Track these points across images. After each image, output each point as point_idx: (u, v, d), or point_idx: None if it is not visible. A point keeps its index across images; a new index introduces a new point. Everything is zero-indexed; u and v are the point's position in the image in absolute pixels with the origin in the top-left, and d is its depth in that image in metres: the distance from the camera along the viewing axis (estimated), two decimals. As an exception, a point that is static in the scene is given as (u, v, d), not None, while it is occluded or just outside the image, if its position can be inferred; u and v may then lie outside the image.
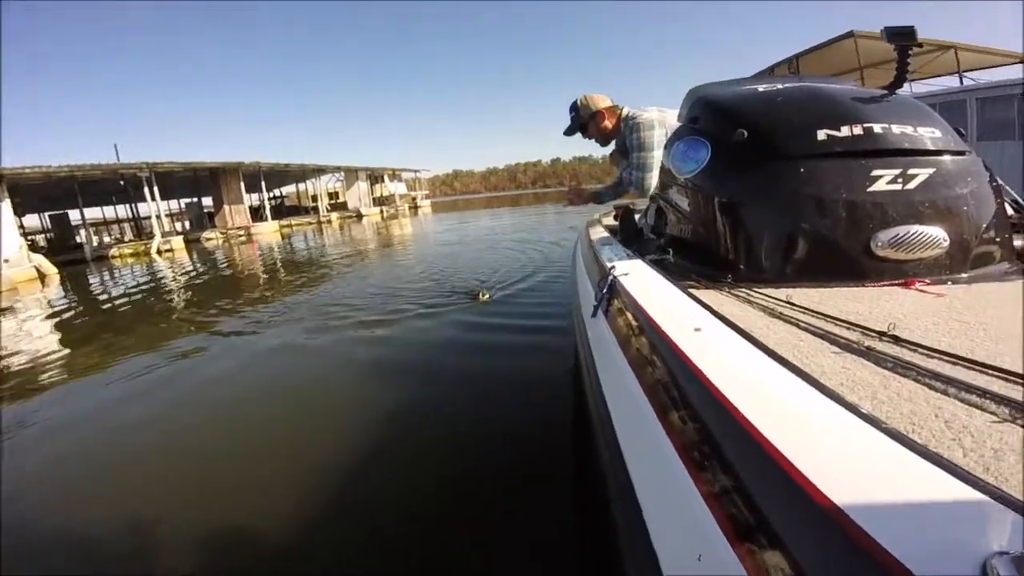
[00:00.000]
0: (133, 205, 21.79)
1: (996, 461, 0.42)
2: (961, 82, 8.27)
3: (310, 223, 22.60)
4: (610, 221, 2.55)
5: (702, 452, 0.47)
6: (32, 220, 25.78)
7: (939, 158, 1.13)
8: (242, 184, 20.20)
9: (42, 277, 10.97)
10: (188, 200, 23.18)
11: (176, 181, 20.29)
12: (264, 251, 11.19)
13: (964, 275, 1.06)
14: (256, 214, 22.04)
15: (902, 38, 1.17)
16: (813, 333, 0.76)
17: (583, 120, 2.30)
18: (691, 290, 0.92)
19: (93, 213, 27.15)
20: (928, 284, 1.02)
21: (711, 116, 1.41)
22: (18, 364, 3.42)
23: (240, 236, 17.91)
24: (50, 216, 20.89)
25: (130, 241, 16.81)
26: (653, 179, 2.05)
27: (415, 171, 37.91)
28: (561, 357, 2.35)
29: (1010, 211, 1.44)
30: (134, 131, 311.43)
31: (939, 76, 9.42)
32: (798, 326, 0.80)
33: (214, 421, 2.23)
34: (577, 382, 1.47)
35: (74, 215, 20.17)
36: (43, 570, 1.34)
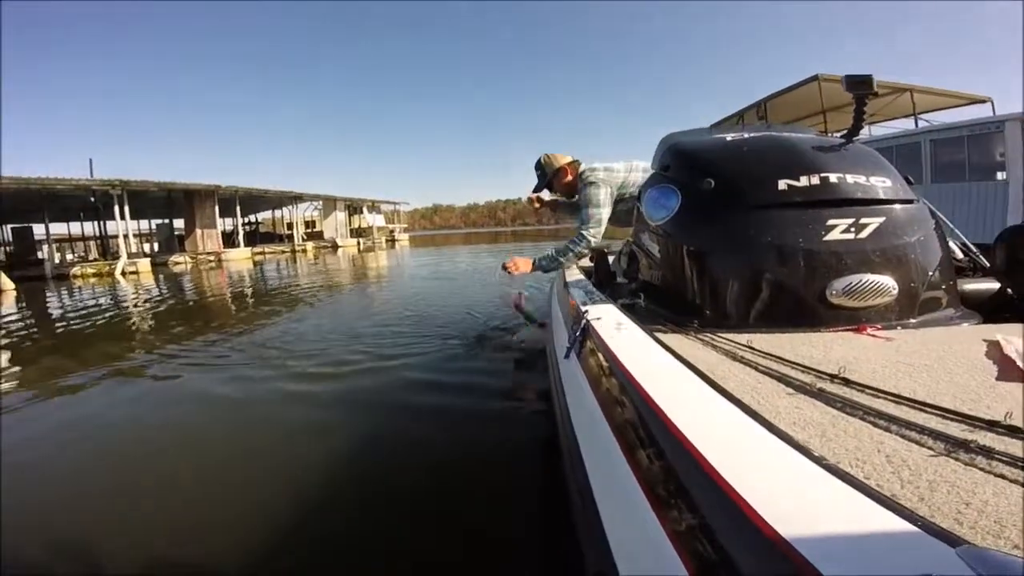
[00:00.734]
0: (101, 223, 21.23)
1: (930, 492, 0.46)
2: (916, 124, 8.52)
3: (284, 251, 22.32)
4: (585, 263, 2.58)
5: (666, 489, 0.50)
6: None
7: (889, 207, 1.19)
8: (216, 208, 19.96)
9: (-4, 293, 10.56)
10: (160, 221, 22.75)
11: (149, 201, 19.93)
12: (233, 279, 11.00)
13: (912, 320, 1.12)
14: (228, 239, 21.71)
15: (860, 87, 1.21)
16: (770, 376, 0.80)
17: (548, 177, 2.48)
18: (659, 334, 0.94)
19: (59, 228, 26.39)
20: (879, 329, 1.07)
21: (681, 164, 1.47)
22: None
23: (210, 261, 17.58)
24: (12, 229, 20.19)
25: (94, 260, 16.33)
26: (600, 234, 2.21)
27: (395, 203, 38.03)
28: (534, 395, 2.29)
29: (959, 254, 1.51)
30: (112, 148, 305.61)
31: (896, 119, 9.64)
32: (757, 369, 0.84)
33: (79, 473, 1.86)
34: (549, 420, 1.48)
35: (38, 229, 19.58)
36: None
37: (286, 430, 2.18)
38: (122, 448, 2.12)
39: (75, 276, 13.96)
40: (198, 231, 19.56)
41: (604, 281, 1.96)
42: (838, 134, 1.48)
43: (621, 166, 2.29)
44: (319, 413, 2.33)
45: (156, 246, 22.07)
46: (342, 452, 1.90)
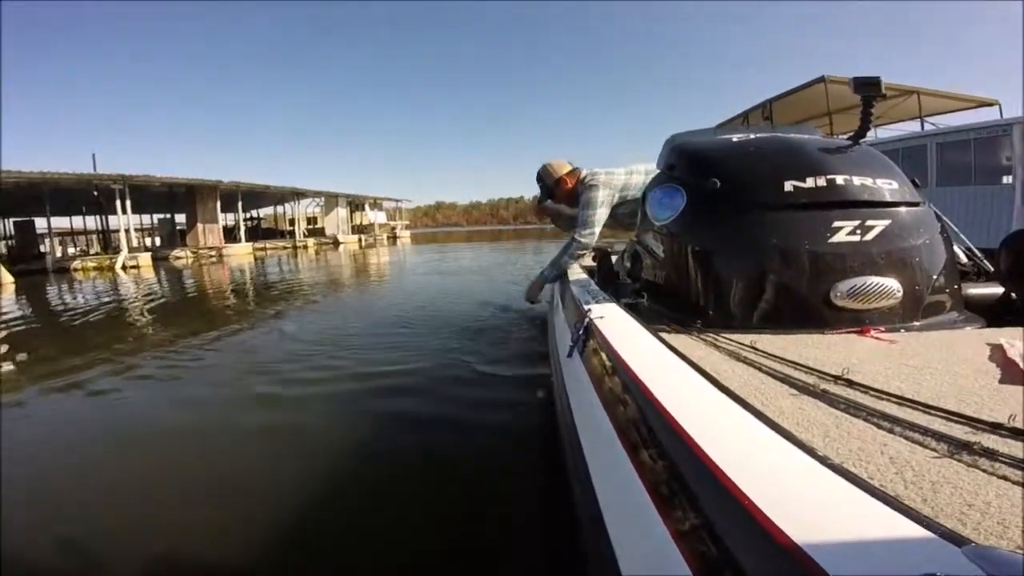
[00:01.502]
0: (104, 217, 21.28)
1: (933, 494, 0.46)
2: (922, 127, 8.48)
3: (285, 247, 22.33)
4: (588, 262, 2.59)
5: (669, 488, 0.49)
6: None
7: (895, 209, 1.19)
8: (218, 203, 19.98)
9: (-4, 286, 10.58)
10: (161, 216, 22.77)
11: (151, 196, 19.95)
12: (234, 274, 11.02)
13: (916, 323, 1.12)
14: (230, 234, 21.74)
15: (868, 88, 1.21)
16: (774, 377, 0.80)
17: (550, 187, 2.47)
18: (662, 334, 0.94)
19: (62, 222, 26.45)
20: (883, 332, 1.07)
21: (687, 165, 1.46)
22: None
23: (211, 256, 17.60)
24: (14, 222, 20.24)
25: (95, 254, 16.35)
26: (594, 236, 2.22)
27: (397, 200, 38.05)
28: (536, 393, 2.25)
29: (963, 258, 1.52)
30: (116, 142, 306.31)
31: (902, 121, 9.59)
32: (760, 370, 0.84)
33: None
34: (552, 418, 1.47)
35: (40, 223, 19.64)
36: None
37: (279, 425, 2.15)
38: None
39: (76, 270, 13.98)
40: (200, 226, 19.57)
41: (607, 280, 1.97)
42: (844, 136, 1.45)
43: (621, 170, 2.30)
44: (310, 409, 2.30)
45: (158, 240, 22.12)
46: (337, 453, 1.87)
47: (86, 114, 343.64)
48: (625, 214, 2.28)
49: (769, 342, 1.01)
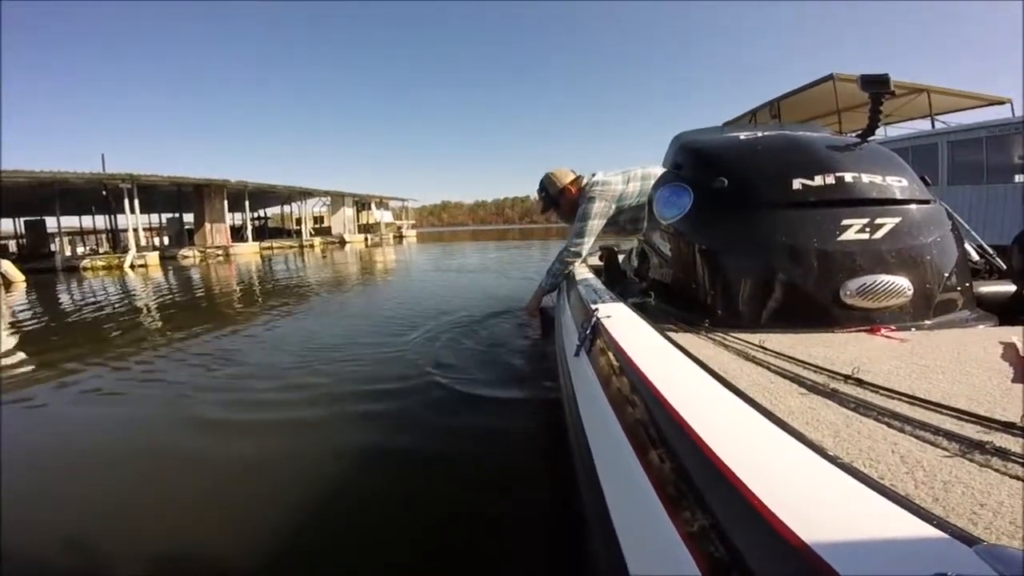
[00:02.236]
0: (113, 216, 21.49)
1: (945, 493, 0.46)
2: (933, 125, 8.44)
3: (292, 246, 22.45)
4: (595, 261, 2.58)
5: (678, 487, 0.49)
6: (6, 224, 25.36)
7: (906, 207, 1.18)
8: (225, 203, 20.11)
9: (7, 283, 10.70)
10: (170, 215, 22.96)
11: (160, 195, 20.14)
12: (241, 273, 11.07)
13: (927, 322, 1.11)
14: (237, 234, 21.88)
15: (877, 86, 1.20)
16: (783, 376, 0.80)
17: (554, 197, 2.46)
18: (670, 333, 0.94)
19: (72, 222, 26.78)
20: (893, 331, 1.06)
21: (694, 163, 1.46)
22: None
23: (218, 255, 17.72)
24: (26, 222, 20.50)
25: (104, 253, 16.51)
26: (584, 246, 2.23)
27: (403, 200, 38.14)
28: (543, 391, 2.22)
29: (975, 256, 1.49)
30: (125, 143, 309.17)
31: (912, 119, 9.54)
32: (769, 369, 0.84)
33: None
34: (559, 417, 1.46)
35: (51, 222, 19.86)
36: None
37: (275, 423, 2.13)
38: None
39: (85, 269, 14.11)
40: (207, 225, 19.71)
41: (614, 279, 1.97)
42: (853, 134, 1.43)
43: (619, 178, 2.30)
44: (311, 411, 2.26)
45: (167, 240, 22.31)
46: (339, 453, 1.85)
47: (96, 116, 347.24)
48: (626, 220, 2.30)
49: (778, 341, 1.00)
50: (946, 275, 1.14)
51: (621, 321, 1.03)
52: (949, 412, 0.62)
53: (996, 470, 0.49)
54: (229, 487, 1.64)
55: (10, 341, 4.18)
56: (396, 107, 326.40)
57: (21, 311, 6.36)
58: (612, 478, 0.71)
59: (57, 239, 18.10)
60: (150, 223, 25.79)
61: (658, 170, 2.20)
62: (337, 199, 29.07)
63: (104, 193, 16.44)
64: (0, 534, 1.39)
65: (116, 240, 21.29)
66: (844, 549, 0.34)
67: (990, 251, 1.53)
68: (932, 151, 7.41)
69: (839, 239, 1.12)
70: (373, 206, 33.44)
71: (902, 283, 1.09)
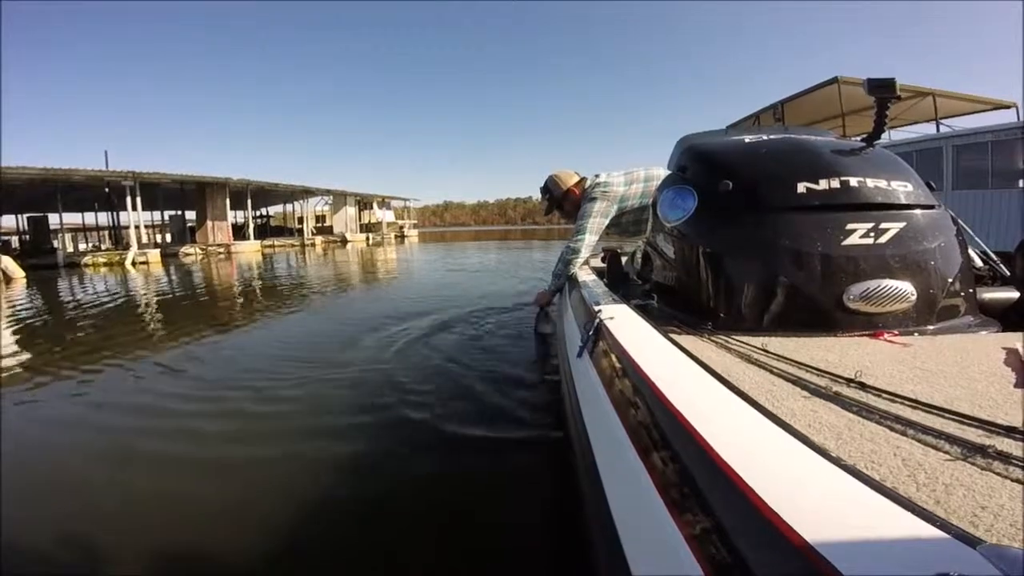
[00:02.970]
0: (115, 213, 21.56)
1: (946, 495, 0.46)
2: (938, 129, 8.40)
3: (293, 245, 22.49)
4: (598, 263, 2.60)
5: (680, 489, 0.49)
6: (9, 221, 25.47)
7: (910, 212, 1.18)
8: (227, 200, 20.15)
9: (8, 279, 10.73)
10: (172, 213, 23.02)
11: (162, 193, 20.19)
12: (242, 271, 11.07)
13: (930, 327, 1.11)
14: (239, 232, 21.92)
15: (882, 90, 1.20)
16: (785, 379, 0.80)
17: (557, 199, 2.47)
18: (672, 335, 0.94)
19: (75, 218, 26.85)
20: (896, 335, 1.06)
21: (699, 166, 1.45)
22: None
23: (220, 253, 17.76)
24: (28, 218, 20.58)
25: (105, 250, 16.54)
26: (584, 242, 2.23)
27: (405, 199, 38.18)
28: (545, 392, 2.20)
29: (979, 262, 1.50)
30: (128, 139, 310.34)
31: (917, 123, 9.53)
32: (772, 372, 0.84)
33: None
34: (560, 418, 1.45)
35: (54, 219, 19.93)
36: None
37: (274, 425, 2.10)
38: None
39: (86, 265, 14.16)
40: (209, 223, 19.75)
41: (616, 282, 1.97)
42: (857, 138, 1.42)
43: (621, 179, 2.31)
44: (306, 419, 2.22)
45: (169, 237, 22.35)
46: (337, 453, 1.81)
47: (100, 113, 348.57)
48: (629, 222, 2.31)
49: (781, 344, 1.00)
50: (949, 280, 1.14)
51: (624, 323, 1.02)
52: (951, 416, 0.62)
53: (997, 473, 0.49)
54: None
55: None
56: (400, 107, 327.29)
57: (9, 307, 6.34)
58: (614, 479, 0.70)
59: (59, 235, 18.12)
60: (152, 220, 25.85)
61: (661, 172, 2.19)
62: (339, 198, 29.10)
63: (107, 190, 16.47)
64: (0, 535, 1.37)
65: (118, 237, 21.34)
66: (847, 549, 0.34)
67: (994, 257, 1.52)
68: (937, 155, 7.38)
69: (843, 243, 1.11)
70: (375, 205, 33.47)
71: (906, 288, 1.09)
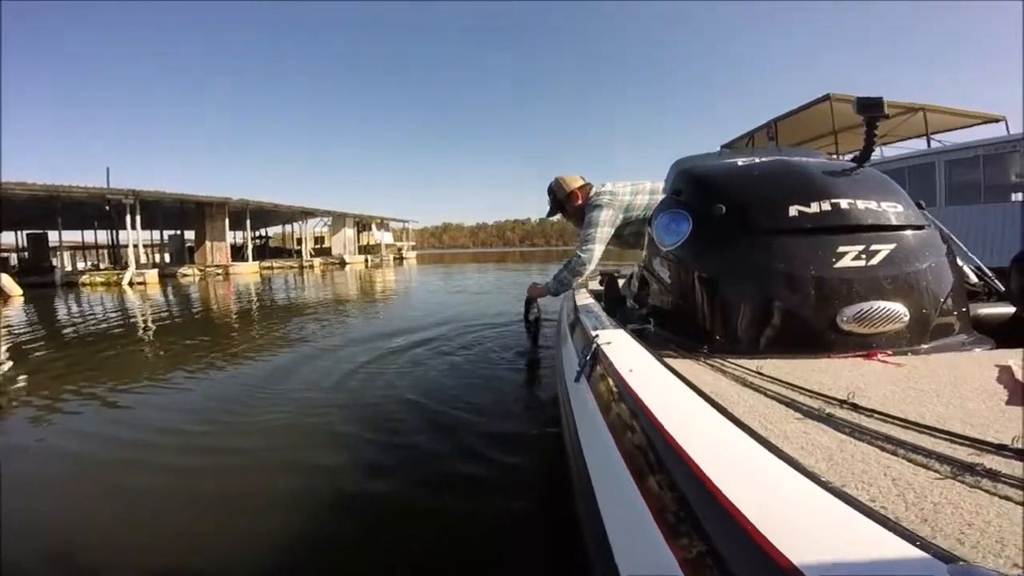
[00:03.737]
0: (115, 232, 21.60)
1: (934, 514, 0.47)
2: (929, 144, 8.43)
3: (292, 267, 22.53)
4: (595, 286, 2.62)
5: (675, 514, 0.50)
6: (9, 237, 25.48)
7: (900, 233, 1.19)
8: (227, 221, 20.24)
9: (6, 297, 10.70)
10: (172, 232, 23.08)
11: (162, 212, 20.28)
12: (240, 293, 11.04)
13: (924, 346, 1.12)
14: (238, 253, 21.98)
15: (871, 109, 1.22)
16: (779, 401, 0.81)
17: (560, 201, 2.50)
18: (668, 360, 0.95)
19: (75, 236, 26.90)
20: (889, 355, 1.07)
21: (692, 189, 1.47)
22: None
23: (218, 274, 17.77)
24: (27, 235, 20.61)
25: (104, 269, 16.54)
26: (594, 253, 2.25)
27: (404, 221, 38.43)
28: (542, 416, 2.20)
29: (973, 278, 1.50)
30: (129, 158, 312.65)
31: (908, 139, 9.58)
32: (766, 395, 0.85)
33: None
34: (558, 442, 1.44)
35: (53, 236, 19.96)
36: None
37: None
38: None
39: (84, 284, 14.15)
40: (208, 243, 19.81)
41: (614, 305, 1.96)
42: (849, 156, 1.45)
43: (627, 189, 2.33)
44: (325, 427, 2.22)
45: (168, 257, 22.36)
46: (334, 471, 1.81)
47: (103, 128, 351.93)
48: (631, 234, 2.33)
49: (775, 367, 1.01)
50: (942, 300, 1.16)
51: (620, 348, 1.04)
52: (943, 435, 0.63)
53: (985, 491, 0.50)
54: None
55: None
56: (399, 128, 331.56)
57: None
58: (610, 503, 0.71)
59: (58, 253, 18.14)
60: (151, 239, 25.90)
61: None
62: (338, 219, 29.26)
63: (107, 208, 16.55)
64: (0, 539, 1.38)
65: (117, 256, 21.34)
66: (828, 570, 0.35)
67: (988, 273, 1.53)
68: (930, 171, 7.39)
69: (835, 266, 1.13)
70: (374, 227, 33.64)
71: (898, 309, 1.10)
